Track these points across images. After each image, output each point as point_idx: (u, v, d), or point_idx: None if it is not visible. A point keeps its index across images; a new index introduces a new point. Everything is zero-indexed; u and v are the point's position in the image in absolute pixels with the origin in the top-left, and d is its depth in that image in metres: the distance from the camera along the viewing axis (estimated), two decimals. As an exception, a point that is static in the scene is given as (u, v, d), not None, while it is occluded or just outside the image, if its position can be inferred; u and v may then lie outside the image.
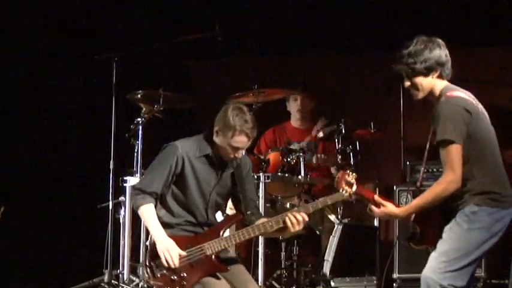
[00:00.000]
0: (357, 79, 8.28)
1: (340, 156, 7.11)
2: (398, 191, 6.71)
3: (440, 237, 4.73)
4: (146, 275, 5.22)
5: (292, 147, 7.05)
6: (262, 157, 7.08)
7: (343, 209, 7.19)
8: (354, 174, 5.00)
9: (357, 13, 7.95)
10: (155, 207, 5.24)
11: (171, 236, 5.13)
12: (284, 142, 7.38)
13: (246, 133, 5.15)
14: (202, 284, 5.23)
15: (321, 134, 7.24)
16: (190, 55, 8.29)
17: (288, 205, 7.03)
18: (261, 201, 6.58)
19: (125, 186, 6.79)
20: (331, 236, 6.92)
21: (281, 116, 7.78)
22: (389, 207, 4.73)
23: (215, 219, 5.36)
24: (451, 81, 4.93)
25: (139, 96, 6.62)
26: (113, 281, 6.61)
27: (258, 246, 6.53)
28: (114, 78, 6.66)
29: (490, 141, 4.70)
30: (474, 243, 4.63)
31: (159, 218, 5.24)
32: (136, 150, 6.71)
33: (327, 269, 6.81)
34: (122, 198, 6.62)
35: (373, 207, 4.76)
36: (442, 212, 4.79)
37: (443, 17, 7.74)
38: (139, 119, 6.56)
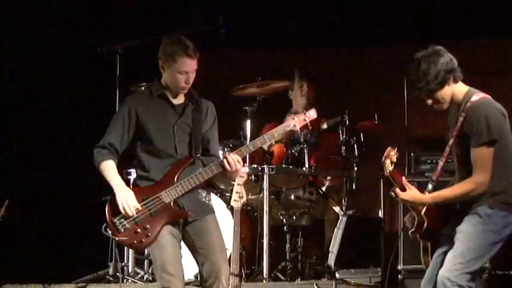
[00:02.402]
0: (360, 71, 8.29)
1: (344, 148, 7.19)
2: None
3: (440, 234, 4.83)
4: (110, 232, 5.24)
5: (296, 139, 7.10)
6: (266, 149, 7.06)
7: (348, 201, 7.22)
8: (397, 154, 5.04)
9: (361, 4, 7.91)
10: (125, 166, 5.36)
11: (132, 188, 5.23)
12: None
13: (187, 54, 5.22)
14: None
15: (325, 126, 7.29)
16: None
17: (292, 197, 7.14)
18: (265, 193, 6.71)
19: (129, 179, 6.70)
20: (335, 228, 6.97)
21: (283, 110, 7.74)
22: (416, 192, 4.80)
23: (200, 163, 5.38)
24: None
25: (142, 88, 6.62)
26: (117, 274, 6.67)
27: (262, 238, 6.62)
28: (117, 70, 6.72)
29: (510, 144, 4.81)
30: (488, 245, 4.72)
31: (140, 177, 5.32)
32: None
33: (331, 260, 6.85)
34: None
35: (398, 190, 4.82)
36: (445, 209, 4.88)
37: (441, 10, 7.68)
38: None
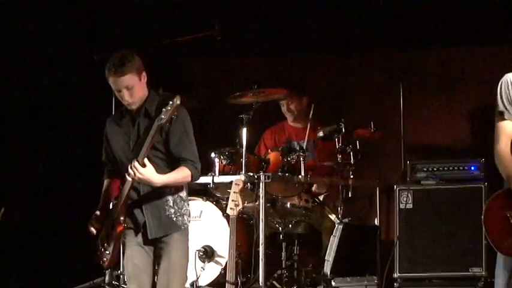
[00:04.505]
0: (356, 78, 8.27)
1: (340, 156, 7.12)
2: (399, 190, 6.70)
3: None
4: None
5: (292, 146, 7.09)
6: (262, 157, 7.06)
7: (344, 209, 7.14)
8: None
9: (355, 12, 7.86)
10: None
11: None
12: (283, 141, 7.47)
13: (111, 72, 5.21)
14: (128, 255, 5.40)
15: (321, 134, 7.18)
16: (190, 55, 8.21)
17: (288, 205, 7.06)
18: (261, 201, 6.63)
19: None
20: (331, 236, 6.91)
21: (279, 117, 7.80)
22: None
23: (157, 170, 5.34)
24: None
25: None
26: (113, 282, 6.65)
27: (258, 247, 6.54)
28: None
29: None
30: None
31: None
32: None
33: (327, 268, 6.78)
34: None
35: None
36: None
37: (439, 16, 7.65)
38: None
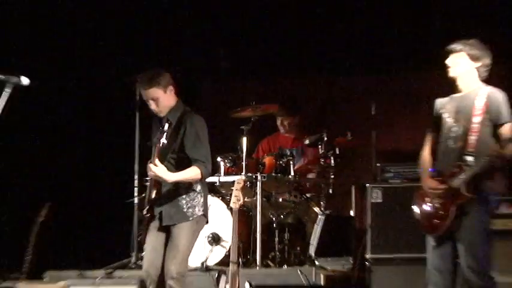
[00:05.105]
0: (337, 97, 8.54)
1: (323, 160, 7.42)
2: (371, 188, 6.67)
3: None
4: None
5: (283, 152, 7.34)
6: (259, 160, 7.35)
7: (326, 203, 7.40)
8: None
9: (339, 42, 8.19)
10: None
11: None
12: (277, 148, 7.65)
13: (140, 85, 5.46)
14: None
15: (307, 141, 7.52)
16: (202, 77, 8.57)
17: (280, 199, 7.36)
18: (258, 197, 6.94)
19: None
20: (315, 225, 7.20)
21: (273, 129, 8.07)
22: None
23: (172, 169, 5.47)
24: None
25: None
26: (138, 262, 6.91)
27: (256, 233, 6.84)
28: (137, 97, 6.91)
29: None
30: None
31: None
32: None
33: (312, 251, 7.04)
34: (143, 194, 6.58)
35: None
36: None
37: (414, 41, 7.83)
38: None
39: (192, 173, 5.38)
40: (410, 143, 7.18)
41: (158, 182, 5.39)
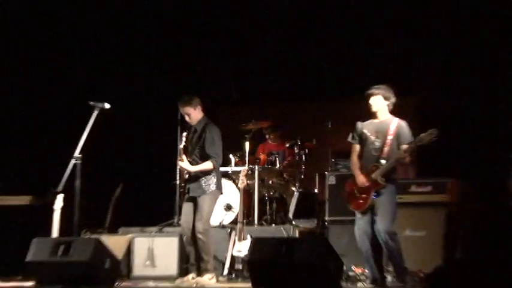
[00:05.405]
0: (308, 117, 9.73)
1: (297, 157, 8.78)
2: (328, 175, 7.71)
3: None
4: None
5: (272, 153, 8.90)
6: (257, 157, 8.85)
7: (299, 184, 8.68)
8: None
9: (311, 73, 9.29)
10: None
11: None
12: (267, 150, 9.18)
13: (180, 106, 6.63)
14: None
15: (287, 145, 8.98)
16: (219, 103, 9.50)
17: (270, 182, 8.79)
18: (256, 180, 8.28)
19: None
20: (292, 198, 8.50)
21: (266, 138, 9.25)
22: None
23: (198, 161, 6.53)
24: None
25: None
26: (178, 222, 7.97)
27: (254, 204, 8.20)
28: (179, 114, 7.77)
29: None
30: None
31: None
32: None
33: (290, 215, 8.36)
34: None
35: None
36: None
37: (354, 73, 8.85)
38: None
39: (206, 165, 6.84)
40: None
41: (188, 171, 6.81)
